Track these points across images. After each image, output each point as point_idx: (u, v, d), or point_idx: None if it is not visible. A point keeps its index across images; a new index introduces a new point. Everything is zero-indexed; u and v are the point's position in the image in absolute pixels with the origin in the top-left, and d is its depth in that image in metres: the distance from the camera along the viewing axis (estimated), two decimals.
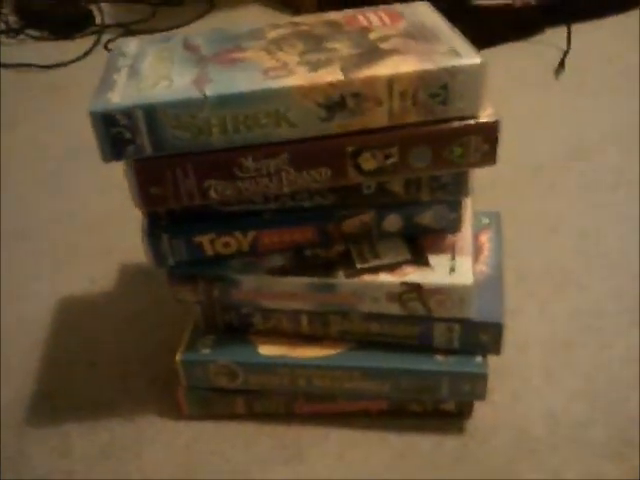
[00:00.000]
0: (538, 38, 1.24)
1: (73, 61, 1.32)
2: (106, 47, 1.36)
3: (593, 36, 1.22)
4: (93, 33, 1.43)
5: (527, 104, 1.05)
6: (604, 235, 0.78)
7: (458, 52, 0.47)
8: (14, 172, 0.99)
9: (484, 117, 0.48)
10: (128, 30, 1.44)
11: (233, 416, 0.61)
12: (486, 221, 0.66)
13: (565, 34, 1.18)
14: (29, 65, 1.31)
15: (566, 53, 1.15)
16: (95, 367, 0.68)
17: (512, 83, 1.10)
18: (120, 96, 0.47)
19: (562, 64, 1.13)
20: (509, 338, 0.57)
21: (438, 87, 0.47)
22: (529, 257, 0.75)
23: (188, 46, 0.54)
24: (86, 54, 1.34)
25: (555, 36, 1.22)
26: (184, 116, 0.46)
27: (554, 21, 1.23)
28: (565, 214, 0.82)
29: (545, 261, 0.75)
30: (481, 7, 1.16)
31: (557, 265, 0.74)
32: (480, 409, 0.59)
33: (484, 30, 1.14)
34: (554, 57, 1.17)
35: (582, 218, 0.81)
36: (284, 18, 0.66)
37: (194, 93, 0.46)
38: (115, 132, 0.46)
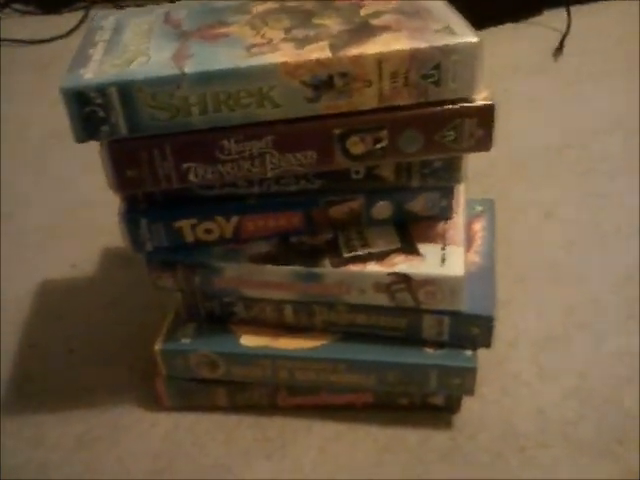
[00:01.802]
0: (536, 20, 1.21)
1: (59, 37, 1.29)
2: (83, 19, 1.32)
3: (593, 19, 1.20)
4: (81, 8, 1.39)
5: (524, 88, 1.02)
6: (601, 225, 0.76)
7: (453, 30, 0.45)
8: None
9: (479, 100, 0.46)
10: (116, 6, 1.40)
11: (214, 407, 0.59)
12: (479, 209, 0.64)
13: (564, 16, 1.15)
14: (14, 41, 1.28)
15: (565, 36, 1.13)
16: (73, 354, 0.66)
17: (509, 66, 1.08)
18: (94, 72, 0.44)
19: (561, 47, 1.11)
20: (499, 331, 0.55)
21: (431, 67, 0.44)
22: (522, 246, 0.73)
23: (169, 20, 0.51)
24: (73, 30, 1.31)
25: (554, 18, 1.20)
26: (161, 94, 0.43)
27: (553, 2, 1.20)
28: (560, 202, 0.79)
29: (539, 251, 0.73)
30: None
31: (551, 255, 0.72)
32: (468, 403, 0.57)
33: (481, 10, 1.11)
34: (552, 40, 1.14)
35: (578, 207, 0.79)
36: None
37: (172, 70, 0.43)
38: (88, 111, 0.43)
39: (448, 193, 0.53)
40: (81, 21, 1.33)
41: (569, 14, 1.15)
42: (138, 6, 1.31)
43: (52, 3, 1.42)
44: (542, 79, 1.04)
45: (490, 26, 1.16)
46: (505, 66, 1.08)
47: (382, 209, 0.53)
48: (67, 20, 1.35)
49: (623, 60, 1.07)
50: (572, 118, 0.95)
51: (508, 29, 1.19)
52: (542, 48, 1.12)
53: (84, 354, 0.65)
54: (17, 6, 1.42)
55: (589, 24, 1.17)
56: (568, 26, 1.14)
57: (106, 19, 0.53)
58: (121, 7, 1.39)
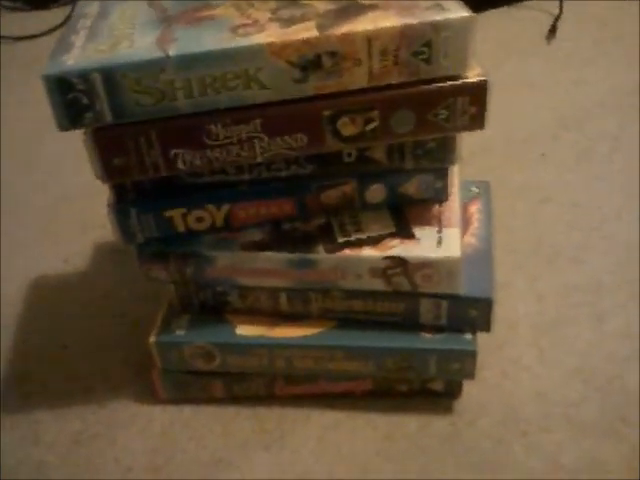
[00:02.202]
0: (529, 3, 1.20)
1: (46, 33, 1.27)
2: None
3: (585, 1, 1.18)
4: (69, 3, 1.38)
5: (517, 71, 1.01)
6: (598, 206, 0.75)
7: (443, 6, 0.44)
8: None
9: (472, 77, 0.45)
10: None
11: (211, 399, 0.58)
12: (475, 191, 0.63)
13: None
14: (1, 37, 1.26)
15: (557, 18, 1.12)
16: (67, 350, 0.65)
17: (502, 49, 1.07)
18: (76, 58, 0.43)
19: (553, 30, 1.09)
20: (498, 314, 0.54)
21: (421, 44, 0.43)
22: (519, 229, 0.72)
23: (154, 5, 0.50)
24: (60, 25, 1.29)
25: (546, 1, 1.18)
26: (146, 79, 0.42)
27: None
28: (557, 185, 0.78)
29: (536, 233, 0.72)
30: None
31: (549, 238, 0.71)
32: (469, 388, 0.56)
33: None
34: (545, 23, 1.13)
35: (575, 189, 0.78)
36: None
37: (156, 53, 0.42)
38: (71, 98, 0.42)
39: (442, 175, 0.52)
40: (68, 16, 1.32)
41: None
42: None
43: None
44: (536, 62, 1.03)
45: (483, 9, 1.15)
46: (499, 49, 1.06)
47: (375, 192, 0.52)
48: (55, 15, 1.33)
49: (616, 41, 1.06)
50: (566, 100, 0.94)
51: (501, 12, 1.18)
52: (535, 31, 1.11)
53: (78, 349, 0.65)
54: (5, 2, 1.41)
55: (582, 7, 1.16)
56: (560, 9, 1.13)
57: (90, 6, 0.52)
58: None
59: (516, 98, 0.94)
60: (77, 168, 0.87)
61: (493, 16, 1.17)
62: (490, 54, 1.03)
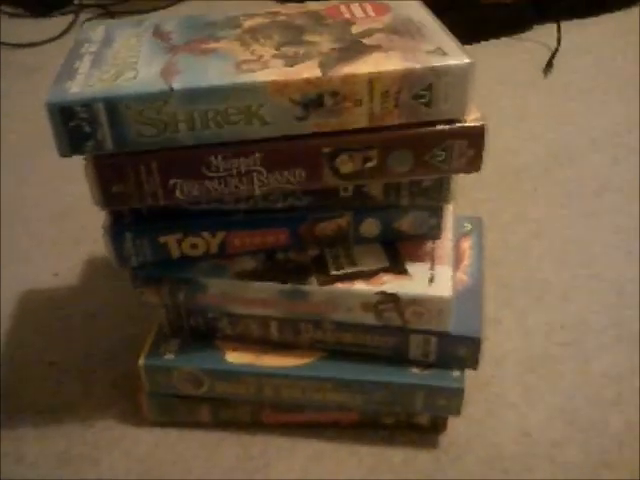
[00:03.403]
0: (526, 35, 1.21)
1: (46, 41, 1.27)
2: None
3: (583, 35, 1.20)
4: (71, 12, 1.38)
5: (512, 103, 1.02)
6: (588, 245, 0.75)
7: (445, 51, 0.44)
8: None
9: (470, 121, 0.46)
10: (107, 11, 1.39)
11: (197, 424, 0.58)
12: (468, 227, 0.63)
13: (554, 31, 1.15)
14: (1, 43, 1.26)
15: (555, 52, 1.13)
16: (54, 367, 0.64)
17: (498, 81, 1.08)
18: (80, 86, 0.43)
19: (550, 63, 1.11)
20: (486, 349, 0.55)
21: (422, 88, 0.44)
22: (508, 265, 0.73)
23: (159, 33, 0.50)
24: (61, 35, 1.30)
25: (544, 33, 1.20)
26: (149, 111, 0.43)
27: (544, 17, 1.20)
28: (548, 221, 0.79)
29: (525, 270, 0.72)
30: (472, 1, 1.13)
31: (538, 275, 0.72)
32: (454, 423, 0.57)
33: (471, 24, 1.12)
34: (542, 55, 1.14)
35: (565, 226, 0.78)
36: (268, 6, 0.62)
37: (160, 86, 0.43)
38: (73, 125, 0.43)
39: (437, 212, 0.52)
40: (71, 25, 1.32)
41: (559, 30, 1.15)
42: (127, 13, 1.30)
43: (42, 6, 1.40)
44: (531, 95, 1.04)
45: (480, 40, 1.16)
46: (495, 81, 1.08)
47: (370, 227, 0.52)
48: (55, 24, 1.34)
49: (613, 77, 1.08)
50: (560, 135, 0.95)
51: (498, 44, 1.19)
52: (532, 63, 1.13)
53: (65, 367, 0.64)
54: (6, 8, 1.41)
55: (579, 40, 1.18)
56: (558, 42, 1.14)
57: (94, 30, 0.52)
58: (111, 13, 1.38)
59: (509, 130, 0.95)
60: (72, 182, 0.87)
61: (490, 47, 1.18)
62: (485, 85, 1.04)
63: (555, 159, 0.90)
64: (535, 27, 1.22)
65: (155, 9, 1.37)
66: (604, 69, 1.10)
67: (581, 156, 0.90)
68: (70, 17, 1.35)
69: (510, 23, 1.19)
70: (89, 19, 1.33)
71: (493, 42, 1.19)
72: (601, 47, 1.16)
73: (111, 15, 1.37)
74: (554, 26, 1.16)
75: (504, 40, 1.20)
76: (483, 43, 1.17)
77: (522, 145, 0.93)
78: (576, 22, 1.23)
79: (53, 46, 1.27)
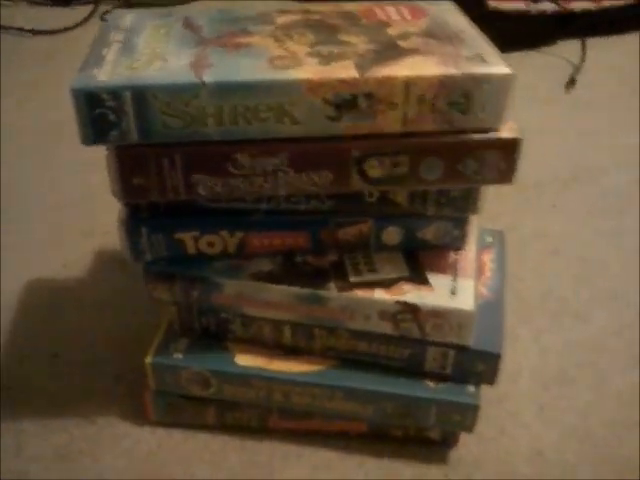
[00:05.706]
0: (549, 50, 1.20)
1: (66, 29, 1.26)
2: (102, 18, 1.31)
3: (608, 52, 1.19)
4: (91, 2, 1.37)
5: (534, 118, 1.01)
6: (607, 264, 0.74)
7: (484, 58, 0.43)
8: None
9: (505, 132, 0.44)
10: (127, 2, 1.38)
11: (202, 426, 0.57)
12: (489, 240, 0.62)
13: (577, 48, 1.14)
14: (20, 29, 1.25)
15: (578, 68, 1.12)
16: (58, 359, 0.63)
17: (520, 95, 1.06)
18: (107, 74, 0.42)
19: (573, 79, 1.10)
20: (501, 366, 0.53)
21: (460, 95, 0.42)
22: (527, 281, 0.72)
23: (189, 25, 0.49)
24: (80, 23, 1.29)
25: (567, 49, 1.19)
26: (177, 102, 0.41)
27: (568, 33, 1.19)
28: (567, 238, 0.78)
29: (543, 287, 0.71)
30: (497, 12, 1.12)
31: (556, 292, 0.70)
32: (465, 439, 0.55)
33: (497, 36, 1.10)
34: (565, 70, 1.13)
35: (584, 244, 0.77)
36: (293, 5, 0.61)
37: (191, 77, 0.41)
38: (98, 113, 0.41)
39: (462, 223, 0.51)
40: (90, 15, 1.31)
41: (584, 46, 1.14)
42: (147, 5, 1.29)
43: None
44: (553, 110, 1.03)
45: (506, 52, 1.15)
46: (517, 94, 1.06)
47: (392, 234, 0.51)
48: (76, 13, 1.33)
49: (635, 95, 1.06)
50: (581, 152, 0.93)
51: (520, 57, 1.18)
52: (554, 78, 1.11)
53: (69, 359, 0.63)
54: None
55: (602, 57, 1.17)
56: (583, 58, 1.13)
57: (122, 18, 0.51)
58: (131, 5, 1.37)
59: (530, 144, 0.94)
60: (84, 173, 0.86)
61: (513, 59, 1.16)
62: None
63: (575, 175, 0.89)
64: (559, 43, 1.21)
65: (174, 3, 1.36)
66: (627, 87, 1.09)
67: (602, 173, 0.89)
68: (89, 7, 1.35)
69: (535, 37, 1.17)
70: (108, 11, 1.32)
71: (515, 55, 1.18)
72: (624, 65, 1.15)
73: (130, 7, 1.36)
74: (577, 42, 1.15)
75: (526, 54, 1.19)
76: (505, 55, 1.16)
77: (542, 160, 0.91)
78: (599, 39, 1.22)
79: (71, 35, 1.26)
